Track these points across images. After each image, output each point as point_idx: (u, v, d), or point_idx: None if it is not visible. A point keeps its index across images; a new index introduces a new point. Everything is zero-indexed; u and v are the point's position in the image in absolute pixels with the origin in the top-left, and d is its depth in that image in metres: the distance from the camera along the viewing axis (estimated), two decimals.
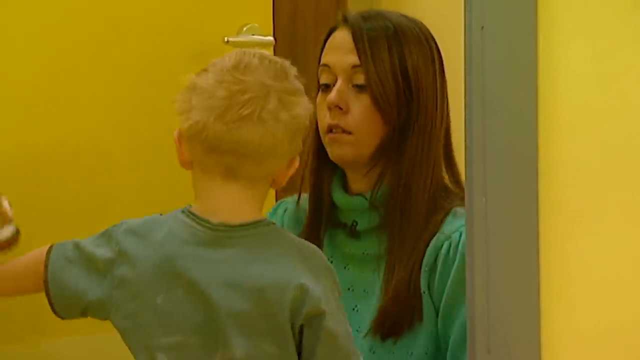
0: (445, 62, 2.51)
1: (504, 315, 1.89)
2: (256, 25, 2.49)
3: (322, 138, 1.77)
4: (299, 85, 1.42)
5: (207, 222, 1.37)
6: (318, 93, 1.79)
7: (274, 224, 1.44)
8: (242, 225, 1.37)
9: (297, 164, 1.43)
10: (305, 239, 1.78)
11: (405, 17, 1.83)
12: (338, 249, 1.86)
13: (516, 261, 2.09)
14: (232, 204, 1.38)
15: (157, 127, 2.39)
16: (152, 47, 2.49)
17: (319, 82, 1.81)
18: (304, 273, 1.35)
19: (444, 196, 1.80)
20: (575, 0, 1.98)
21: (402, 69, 1.74)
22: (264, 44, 2.45)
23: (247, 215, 1.37)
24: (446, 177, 1.84)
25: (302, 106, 1.39)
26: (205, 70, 1.38)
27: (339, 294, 1.39)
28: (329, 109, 1.72)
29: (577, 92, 2.05)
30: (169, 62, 2.47)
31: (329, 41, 1.80)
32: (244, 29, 2.47)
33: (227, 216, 1.37)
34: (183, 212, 1.41)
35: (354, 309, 1.70)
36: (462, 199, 1.74)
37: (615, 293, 2.11)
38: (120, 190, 2.59)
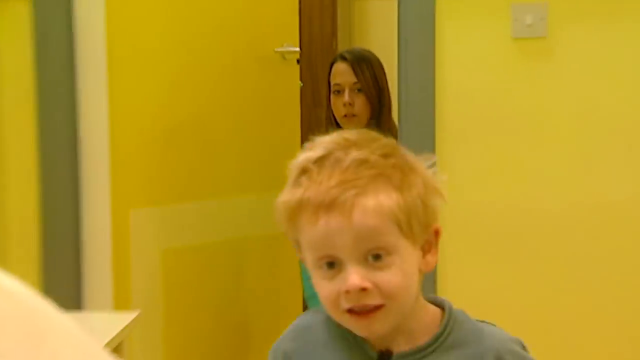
0: (389, 61, 3.25)
1: None
2: (290, 42, 3.20)
3: (338, 119, 2.84)
4: None
5: None
6: (330, 94, 2.85)
7: None
8: None
9: None
10: None
11: (369, 51, 2.94)
12: None
13: None
14: None
15: (230, 107, 3.13)
16: (228, 54, 3.09)
17: (330, 89, 2.84)
18: None
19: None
20: (457, 26, 2.68)
21: (374, 80, 2.88)
22: (295, 53, 3.20)
23: None
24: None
25: None
26: None
27: None
28: (343, 105, 2.81)
29: (456, 69, 2.66)
30: (239, 63, 3.11)
31: (334, 69, 2.84)
32: (284, 44, 3.19)
33: None
34: None
35: None
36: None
37: (490, 197, 2.62)
38: (215, 142, 3.13)
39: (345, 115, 2.87)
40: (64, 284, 2.66)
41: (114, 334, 1.99)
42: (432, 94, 2.70)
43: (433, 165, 1.19)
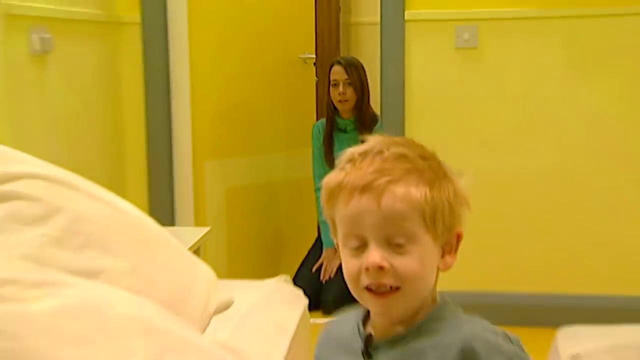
0: (374, 66, 3.24)
1: None
2: (309, 51, 3.24)
3: (335, 103, 2.83)
4: None
5: None
6: (329, 86, 2.87)
7: None
8: None
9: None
10: (326, 137, 2.78)
11: (356, 58, 2.94)
12: (341, 139, 2.78)
13: None
14: None
15: (271, 94, 3.08)
16: (270, 58, 3.07)
17: (329, 83, 2.87)
18: None
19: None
20: (419, 42, 2.59)
21: (359, 78, 2.89)
22: (312, 58, 3.23)
23: None
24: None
25: None
26: None
27: None
28: (339, 94, 2.82)
29: (419, 70, 2.61)
30: (276, 64, 3.12)
31: (333, 70, 2.86)
32: (305, 52, 3.24)
33: None
34: None
35: None
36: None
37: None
38: (259, 117, 3.08)
39: (340, 101, 2.88)
40: (162, 208, 2.67)
41: (194, 241, 1.99)
42: (402, 87, 2.67)
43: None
